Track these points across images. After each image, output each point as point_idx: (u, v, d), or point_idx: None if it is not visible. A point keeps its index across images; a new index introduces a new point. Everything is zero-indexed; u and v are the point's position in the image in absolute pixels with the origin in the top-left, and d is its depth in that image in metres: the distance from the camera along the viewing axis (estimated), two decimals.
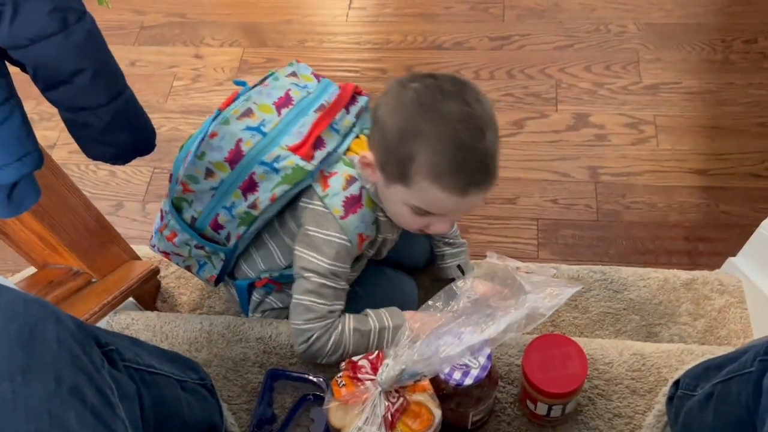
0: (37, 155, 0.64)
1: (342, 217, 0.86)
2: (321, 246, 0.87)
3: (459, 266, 1.12)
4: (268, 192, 0.87)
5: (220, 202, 0.91)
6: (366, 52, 1.79)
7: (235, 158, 0.87)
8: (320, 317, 0.88)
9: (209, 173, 0.89)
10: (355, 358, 0.79)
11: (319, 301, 0.88)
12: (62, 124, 0.67)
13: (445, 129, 0.74)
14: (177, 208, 0.95)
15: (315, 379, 0.94)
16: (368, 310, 0.93)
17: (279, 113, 0.88)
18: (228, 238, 0.94)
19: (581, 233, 1.39)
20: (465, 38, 1.78)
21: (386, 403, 0.75)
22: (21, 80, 0.65)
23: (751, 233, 1.13)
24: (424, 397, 0.77)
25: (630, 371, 0.92)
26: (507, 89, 1.65)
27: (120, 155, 0.74)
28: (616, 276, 1.18)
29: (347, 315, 0.91)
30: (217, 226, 0.93)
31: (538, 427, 0.89)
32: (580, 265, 1.23)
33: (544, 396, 0.81)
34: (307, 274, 0.88)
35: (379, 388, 0.75)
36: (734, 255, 1.19)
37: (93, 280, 1.09)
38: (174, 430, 0.71)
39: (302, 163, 0.85)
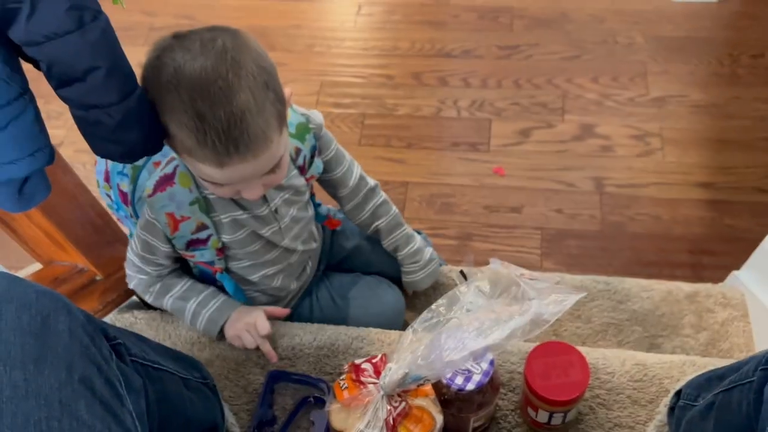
0: (49, 151, 0.64)
1: (149, 195, 0.84)
2: (140, 218, 0.89)
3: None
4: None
5: (129, 219, 0.95)
6: (373, 58, 1.80)
7: (107, 177, 0.92)
8: (134, 272, 0.96)
9: (108, 197, 0.95)
10: (357, 361, 0.80)
11: (132, 257, 0.94)
12: (69, 123, 0.67)
13: (182, 98, 0.67)
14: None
15: (316, 382, 0.94)
16: (206, 290, 0.97)
17: None
18: None
19: (585, 244, 1.40)
20: (473, 47, 1.78)
21: (388, 407, 0.75)
22: (29, 78, 0.66)
23: (756, 247, 1.13)
24: (426, 402, 0.77)
25: (632, 381, 0.92)
26: (514, 98, 1.66)
27: (128, 154, 0.74)
28: (620, 287, 1.18)
29: (176, 287, 0.97)
30: None
31: None
32: (583, 275, 1.23)
33: (545, 403, 0.81)
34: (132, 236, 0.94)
35: (382, 392, 0.75)
36: (738, 269, 1.19)
37: (97, 277, 1.09)
38: (177, 426, 0.72)
39: None
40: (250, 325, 0.95)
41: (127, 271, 0.98)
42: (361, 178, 1.02)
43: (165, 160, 0.86)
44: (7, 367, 0.49)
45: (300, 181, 0.93)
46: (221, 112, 0.67)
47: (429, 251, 1.11)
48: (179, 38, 0.70)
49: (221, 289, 0.98)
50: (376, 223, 1.06)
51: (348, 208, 1.05)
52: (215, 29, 0.71)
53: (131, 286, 0.99)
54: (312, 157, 0.94)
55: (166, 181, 0.84)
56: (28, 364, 0.49)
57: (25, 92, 0.62)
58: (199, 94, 0.67)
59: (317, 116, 0.93)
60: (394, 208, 1.07)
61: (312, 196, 1.02)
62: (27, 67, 0.65)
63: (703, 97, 1.61)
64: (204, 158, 0.71)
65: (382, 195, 1.06)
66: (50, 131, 0.66)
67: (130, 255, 0.95)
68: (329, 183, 1.01)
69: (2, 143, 0.61)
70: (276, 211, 0.90)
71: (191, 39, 0.69)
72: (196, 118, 0.67)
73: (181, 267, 0.99)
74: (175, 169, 0.84)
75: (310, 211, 0.99)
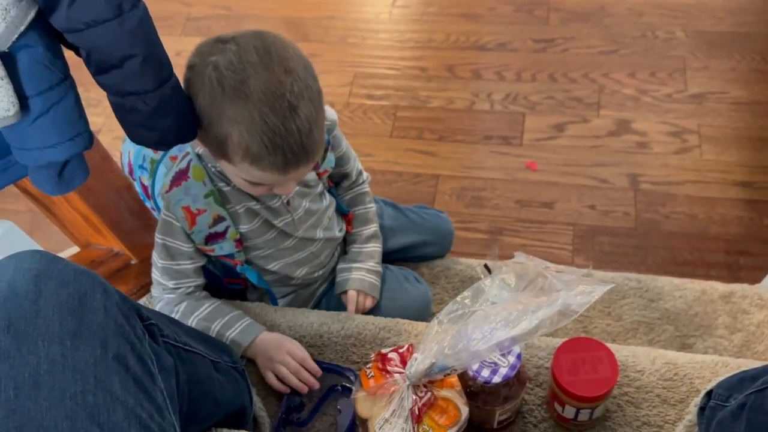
0: (88, 136, 0.66)
1: (166, 191, 0.87)
2: (159, 223, 0.91)
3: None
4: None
5: (154, 212, 0.99)
6: (408, 50, 1.80)
7: (130, 171, 0.96)
8: (159, 292, 0.94)
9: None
10: (384, 351, 0.80)
11: (157, 277, 0.93)
12: (107, 111, 0.69)
13: (252, 112, 0.72)
14: None
15: (344, 371, 0.95)
16: (232, 313, 0.94)
17: None
18: None
19: (618, 241, 1.38)
20: (508, 39, 1.77)
21: (414, 397, 0.75)
22: (71, 66, 0.68)
23: None
24: (452, 393, 0.77)
25: (662, 380, 0.91)
26: (549, 92, 1.64)
27: (162, 140, 0.76)
28: (652, 285, 1.16)
29: (202, 308, 0.94)
30: None
31: (565, 431, 0.89)
32: (615, 272, 1.21)
33: (572, 399, 0.81)
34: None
35: (408, 382, 0.75)
36: None
37: (132, 261, 1.12)
38: (206, 408, 0.73)
39: (152, 155, 0.92)
40: (284, 356, 0.92)
41: (154, 293, 0.96)
42: (361, 171, 1.09)
43: (181, 155, 0.88)
44: (45, 342, 0.50)
45: (311, 175, 0.96)
46: (292, 125, 0.73)
47: (378, 262, 1.08)
48: (228, 43, 0.73)
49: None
50: (354, 209, 1.09)
51: (343, 195, 1.09)
52: (260, 35, 0.74)
53: (157, 308, 0.95)
54: (325, 151, 0.97)
55: (181, 176, 0.87)
56: (66, 340, 0.51)
57: (66, 78, 0.64)
58: (272, 108, 0.72)
59: (331, 113, 0.95)
60: (373, 205, 1.11)
61: (331, 188, 1.05)
62: (68, 55, 0.67)
63: (744, 94, 1.57)
64: (269, 166, 0.75)
65: (367, 187, 1.11)
66: (89, 118, 0.68)
67: (155, 275, 0.94)
68: (335, 175, 1.05)
69: (43, 127, 0.63)
70: (288, 203, 0.93)
71: (245, 48, 0.73)
72: (271, 131, 0.72)
73: (207, 289, 0.99)
74: (188, 164, 0.87)
75: (326, 202, 1.01)
